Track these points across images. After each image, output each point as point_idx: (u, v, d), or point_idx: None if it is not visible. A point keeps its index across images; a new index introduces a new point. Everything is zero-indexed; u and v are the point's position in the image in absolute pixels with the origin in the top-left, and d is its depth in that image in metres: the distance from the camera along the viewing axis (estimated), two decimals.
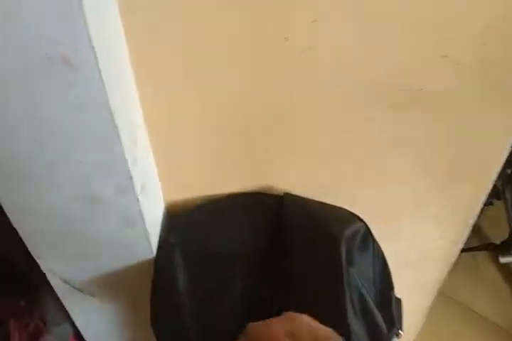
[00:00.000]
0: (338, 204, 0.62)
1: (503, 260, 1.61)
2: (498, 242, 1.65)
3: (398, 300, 0.62)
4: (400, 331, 0.60)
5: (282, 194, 0.62)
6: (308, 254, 0.56)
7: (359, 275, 0.55)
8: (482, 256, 1.80)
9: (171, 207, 0.63)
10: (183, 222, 0.60)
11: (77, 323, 0.65)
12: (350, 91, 0.53)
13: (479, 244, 1.76)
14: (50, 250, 0.52)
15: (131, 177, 0.45)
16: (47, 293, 0.60)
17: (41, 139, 0.41)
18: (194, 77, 0.49)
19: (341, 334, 0.36)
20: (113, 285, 0.58)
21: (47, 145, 0.41)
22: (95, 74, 0.37)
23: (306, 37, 0.48)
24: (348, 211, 0.61)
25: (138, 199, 0.48)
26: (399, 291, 0.72)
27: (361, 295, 0.54)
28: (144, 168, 0.50)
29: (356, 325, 0.52)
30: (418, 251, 0.80)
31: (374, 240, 0.60)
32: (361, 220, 0.60)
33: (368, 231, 0.60)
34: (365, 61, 0.51)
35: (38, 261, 0.53)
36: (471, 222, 0.82)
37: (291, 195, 0.62)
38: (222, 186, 0.62)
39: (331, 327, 0.36)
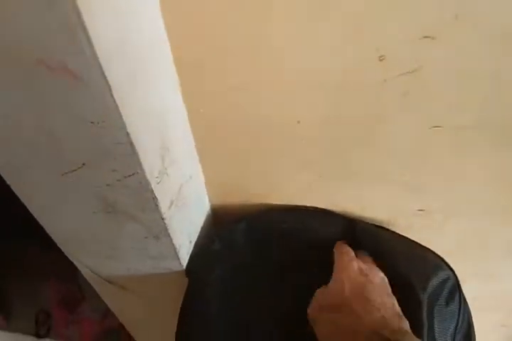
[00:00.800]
0: (420, 237, 0.49)
1: None
2: None
3: None
4: None
5: (352, 217, 0.51)
6: None
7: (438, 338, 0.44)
8: None
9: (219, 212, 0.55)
10: (234, 230, 0.52)
11: (109, 305, 0.63)
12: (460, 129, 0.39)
13: None
14: (79, 250, 0.49)
15: (153, 198, 0.37)
16: None
17: (58, 152, 0.34)
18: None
19: None
20: (143, 285, 0.54)
21: (63, 157, 0.34)
22: (103, 87, 0.27)
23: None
24: (432, 252, 0.48)
25: (163, 218, 0.40)
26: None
27: None
28: (175, 181, 0.42)
29: None
30: None
31: (461, 295, 0.47)
32: (449, 267, 0.47)
33: (455, 284, 0.47)
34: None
35: (66, 254, 0.50)
36: None
37: (364, 222, 0.50)
38: (282, 196, 0.52)
39: None
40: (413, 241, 0.48)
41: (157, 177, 0.37)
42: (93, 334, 0.73)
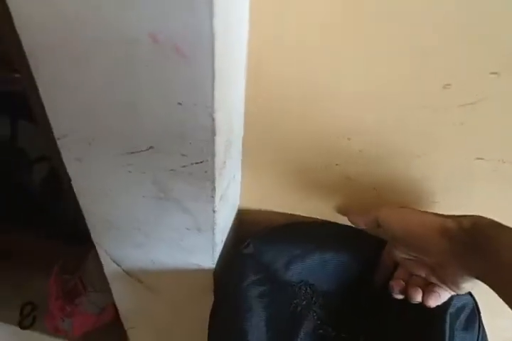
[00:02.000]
0: None
1: None
2: None
3: None
4: None
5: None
6: (404, 322, 0.46)
7: None
8: None
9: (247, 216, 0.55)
10: (268, 237, 0.51)
11: (115, 298, 0.61)
12: None
13: None
14: (111, 238, 0.48)
15: (213, 189, 0.37)
16: (96, 256, 0.55)
17: (132, 129, 0.34)
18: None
19: None
20: (165, 280, 0.53)
21: (135, 136, 0.35)
22: (208, 68, 0.28)
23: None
24: None
25: (214, 211, 0.40)
26: None
27: None
28: (226, 176, 0.42)
29: None
30: None
31: (480, 322, 0.47)
32: (469, 292, 0.48)
33: (475, 309, 0.47)
34: None
35: (94, 241, 0.49)
36: None
37: None
38: (311, 210, 0.52)
39: None
40: None
41: (221, 169, 0.37)
42: (87, 328, 0.71)
